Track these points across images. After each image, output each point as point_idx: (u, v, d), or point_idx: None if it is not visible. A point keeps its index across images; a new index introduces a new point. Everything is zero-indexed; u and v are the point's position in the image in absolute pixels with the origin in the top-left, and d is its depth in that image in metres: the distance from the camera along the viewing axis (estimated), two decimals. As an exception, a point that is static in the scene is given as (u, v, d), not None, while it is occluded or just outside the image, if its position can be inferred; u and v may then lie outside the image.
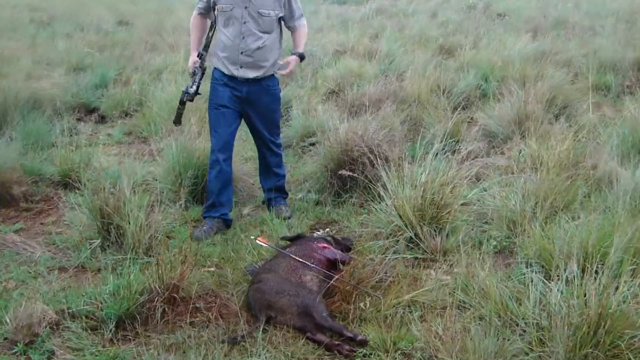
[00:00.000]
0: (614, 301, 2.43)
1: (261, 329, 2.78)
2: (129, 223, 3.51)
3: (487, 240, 3.54)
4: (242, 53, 3.86)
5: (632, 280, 2.59)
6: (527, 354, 2.52)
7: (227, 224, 4.07)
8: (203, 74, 4.02)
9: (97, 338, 2.77)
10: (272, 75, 4.02)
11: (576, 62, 8.31)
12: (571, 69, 7.80)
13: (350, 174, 4.03)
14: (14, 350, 2.68)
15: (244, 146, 5.59)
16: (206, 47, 4.04)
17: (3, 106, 5.79)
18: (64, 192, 4.55)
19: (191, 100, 4.04)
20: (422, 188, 3.59)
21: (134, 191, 3.73)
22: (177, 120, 4.13)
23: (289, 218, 4.17)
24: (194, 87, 3.98)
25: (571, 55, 8.74)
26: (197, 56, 4.00)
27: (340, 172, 4.15)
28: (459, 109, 5.76)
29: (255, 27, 3.85)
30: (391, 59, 8.46)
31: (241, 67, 3.89)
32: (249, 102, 4.01)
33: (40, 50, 9.27)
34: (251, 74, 3.91)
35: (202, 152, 4.49)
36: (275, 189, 4.30)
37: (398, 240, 3.55)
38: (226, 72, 3.94)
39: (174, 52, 8.68)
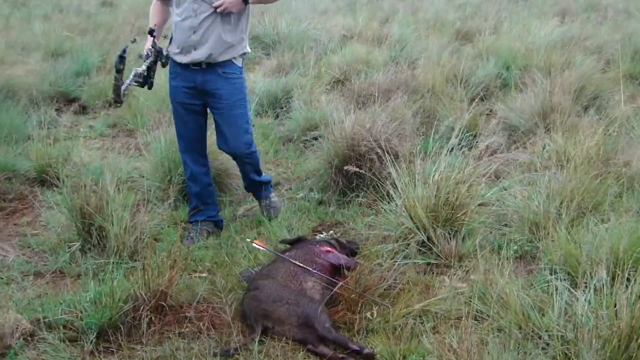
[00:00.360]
0: (647, 312, 2.43)
1: (257, 341, 2.79)
2: (113, 224, 3.52)
3: (507, 244, 3.53)
4: (194, 32, 3.69)
5: (667, 289, 2.59)
6: (550, 370, 2.53)
7: (219, 225, 4.08)
8: (157, 56, 3.79)
9: (76, 350, 2.78)
10: (231, 61, 3.80)
11: (608, 48, 8.29)
12: (602, 56, 7.79)
13: (357, 170, 4.03)
14: (-16, 363, 2.70)
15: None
16: (172, 39, 3.88)
17: (-27, 95, 5.83)
18: (41, 190, 4.56)
19: (141, 85, 3.77)
20: (436, 186, 3.59)
21: (118, 189, 3.74)
22: (116, 97, 3.67)
23: (275, 216, 4.20)
24: (143, 67, 3.74)
25: (603, 41, 8.72)
26: (149, 33, 3.81)
27: (345, 169, 4.16)
28: (477, 100, 5.75)
29: (209, 2, 3.65)
30: (403, 45, 8.46)
31: (195, 49, 3.71)
32: (206, 94, 3.83)
33: (14, 33, 9.29)
34: (203, 56, 3.71)
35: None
36: (259, 184, 4.24)
37: (409, 244, 3.55)
38: (177, 59, 3.80)
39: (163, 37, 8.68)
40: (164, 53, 3.83)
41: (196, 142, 3.98)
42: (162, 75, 4.30)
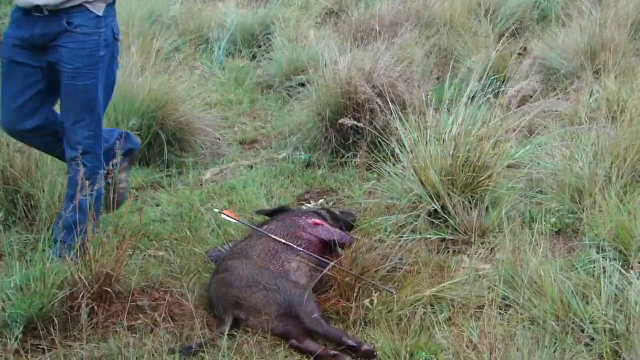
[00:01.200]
0: None
1: (226, 335, 2.77)
2: (43, 190, 3.50)
3: (543, 215, 3.53)
4: None
5: None
6: (595, 370, 2.54)
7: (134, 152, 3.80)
8: None
9: (-3, 348, 2.77)
10: (83, 6, 3.20)
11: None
12: (670, -21, 7.75)
13: (354, 124, 4.01)
14: None
15: (206, 88, 5.58)
16: None
17: None
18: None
19: None
20: (453, 144, 3.59)
21: (51, 147, 3.71)
22: None
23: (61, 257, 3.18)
24: None
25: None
26: None
27: (339, 122, 4.14)
28: (506, 36, 5.70)
29: None
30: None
31: None
32: (48, 54, 3.24)
33: None
34: None
35: (147, 93, 4.48)
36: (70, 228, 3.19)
37: (418, 215, 3.56)
38: (17, 1, 3.22)
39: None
40: None
41: (18, 119, 3.33)
42: None
